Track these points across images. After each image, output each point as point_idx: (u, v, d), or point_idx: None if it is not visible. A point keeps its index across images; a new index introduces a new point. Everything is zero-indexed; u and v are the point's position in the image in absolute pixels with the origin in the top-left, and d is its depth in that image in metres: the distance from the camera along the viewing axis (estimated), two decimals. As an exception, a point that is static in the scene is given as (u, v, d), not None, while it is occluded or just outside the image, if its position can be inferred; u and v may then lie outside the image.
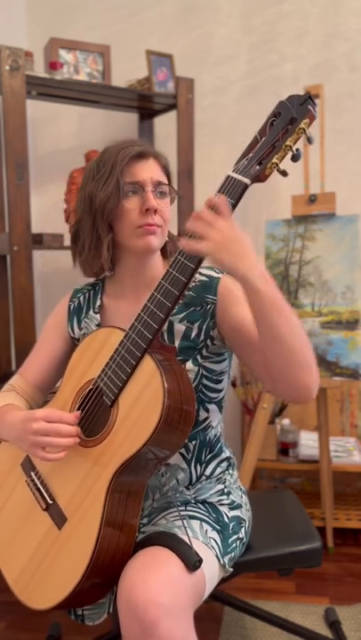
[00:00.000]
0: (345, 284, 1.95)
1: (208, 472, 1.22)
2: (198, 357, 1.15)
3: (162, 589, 0.93)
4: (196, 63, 2.41)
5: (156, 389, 0.98)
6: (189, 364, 1.14)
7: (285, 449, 2.21)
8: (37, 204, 2.53)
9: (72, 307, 1.29)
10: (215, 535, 1.13)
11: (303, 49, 2.35)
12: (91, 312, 1.25)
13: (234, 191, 0.98)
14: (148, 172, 1.14)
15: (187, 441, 1.16)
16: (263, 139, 0.98)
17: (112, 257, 1.18)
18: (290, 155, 0.98)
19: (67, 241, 2.24)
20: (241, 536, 1.21)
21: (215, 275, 1.16)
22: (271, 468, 2.41)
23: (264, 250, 2.06)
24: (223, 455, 1.26)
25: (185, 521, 1.11)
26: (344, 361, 1.93)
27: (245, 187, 0.97)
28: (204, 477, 1.22)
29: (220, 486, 1.24)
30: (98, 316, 1.24)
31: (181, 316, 1.15)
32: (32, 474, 1.15)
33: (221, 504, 1.22)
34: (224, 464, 1.26)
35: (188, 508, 1.17)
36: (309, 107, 0.95)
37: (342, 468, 2.17)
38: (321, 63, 2.33)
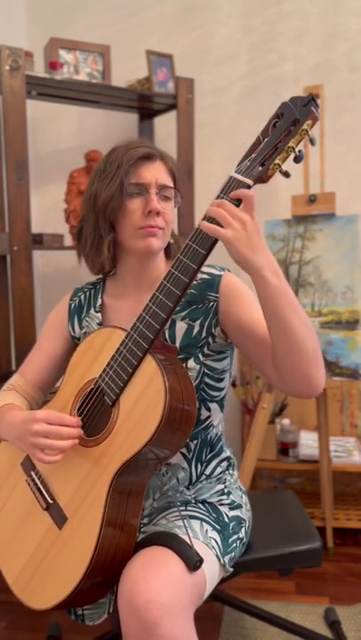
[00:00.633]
0: (345, 284, 1.95)
1: (208, 471, 1.22)
2: (200, 355, 1.15)
3: (163, 589, 0.93)
4: (196, 63, 2.41)
5: (157, 390, 0.98)
6: (191, 363, 1.14)
7: (285, 449, 2.21)
8: (37, 204, 2.53)
9: (73, 306, 1.29)
10: (215, 535, 1.13)
11: (303, 49, 2.35)
12: (92, 311, 1.25)
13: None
14: (154, 173, 1.14)
15: (188, 440, 1.16)
16: (266, 140, 0.98)
17: (114, 256, 1.18)
18: (292, 156, 0.98)
19: (67, 241, 2.24)
20: (241, 536, 1.21)
21: (217, 272, 1.16)
22: (271, 468, 2.41)
23: (264, 250, 2.06)
24: (224, 455, 1.26)
25: (185, 521, 1.11)
26: (344, 361, 1.93)
27: (248, 188, 0.97)
28: (204, 477, 1.21)
29: (221, 486, 1.24)
30: (99, 314, 1.24)
31: (183, 314, 1.15)
32: (32, 473, 1.14)
33: (221, 504, 1.22)
34: (224, 464, 1.26)
35: (189, 508, 1.17)
36: (312, 108, 0.95)
37: (342, 468, 2.17)
38: (321, 63, 2.33)
